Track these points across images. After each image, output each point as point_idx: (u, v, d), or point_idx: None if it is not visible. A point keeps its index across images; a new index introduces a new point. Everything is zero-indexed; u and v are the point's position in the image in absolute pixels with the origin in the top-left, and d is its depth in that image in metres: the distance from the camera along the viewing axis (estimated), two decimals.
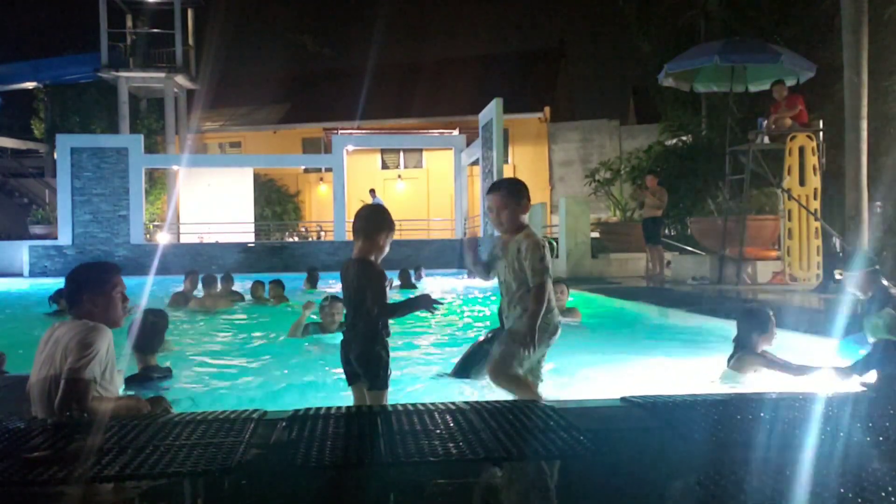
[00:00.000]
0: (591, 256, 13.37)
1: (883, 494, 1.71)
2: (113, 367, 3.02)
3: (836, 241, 9.87)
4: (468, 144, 20.53)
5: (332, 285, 11.20)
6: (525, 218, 3.37)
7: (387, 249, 3.33)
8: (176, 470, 1.94)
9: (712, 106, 15.76)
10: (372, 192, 22.05)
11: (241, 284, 11.19)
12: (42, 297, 10.29)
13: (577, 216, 13.08)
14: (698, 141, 15.71)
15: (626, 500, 1.88)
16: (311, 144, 27.98)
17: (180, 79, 24.52)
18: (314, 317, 6.61)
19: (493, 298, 9.09)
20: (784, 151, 9.65)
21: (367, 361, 3.24)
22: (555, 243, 13.07)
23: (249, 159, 25.62)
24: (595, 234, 14.54)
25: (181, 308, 9.32)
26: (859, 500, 1.67)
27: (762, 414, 2.49)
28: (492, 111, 16.56)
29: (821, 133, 9.82)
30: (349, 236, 18.41)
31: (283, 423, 2.44)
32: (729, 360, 4.32)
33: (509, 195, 3.34)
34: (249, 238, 22.23)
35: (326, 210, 23.63)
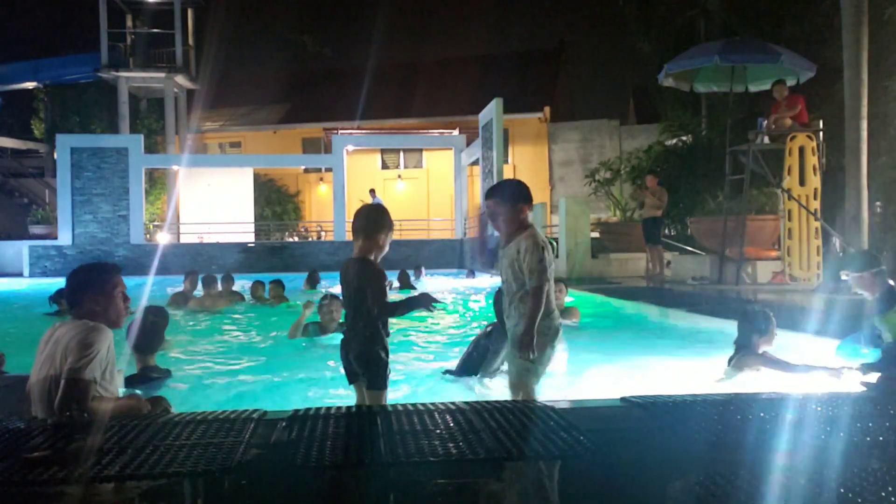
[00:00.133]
0: (591, 256, 13.37)
1: (883, 494, 1.71)
2: (113, 367, 3.02)
3: (836, 241, 9.87)
4: (468, 144, 20.53)
5: (330, 288, 11.20)
6: (528, 218, 3.32)
7: (386, 249, 3.35)
8: (176, 470, 1.94)
9: (712, 106, 15.75)
10: (372, 192, 22.05)
11: (241, 284, 11.20)
12: (41, 297, 10.29)
13: (577, 216, 13.08)
14: (698, 141, 15.70)
15: (626, 500, 1.88)
16: (311, 144, 27.98)
17: (180, 79, 24.52)
18: (313, 316, 6.62)
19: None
20: (784, 151, 9.64)
21: (366, 361, 3.24)
22: (555, 243, 13.07)
23: (249, 159, 25.62)
24: (595, 234, 14.54)
25: (181, 308, 9.32)
26: (859, 500, 1.67)
27: (762, 414, 2.49)
28: (492, 111, 16.56)
29: (821, 133, 9.82)
30: (349, 236, 18.41)
31: (283, 423, 2.44)
32: (729, 362, 4.32)
33: (502, 201, 3.31)
34: (249, 238, 22.23)
35: (326, 210, 23.64)
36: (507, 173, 17.88)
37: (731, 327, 4.57)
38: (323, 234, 25.03)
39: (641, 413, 2.60)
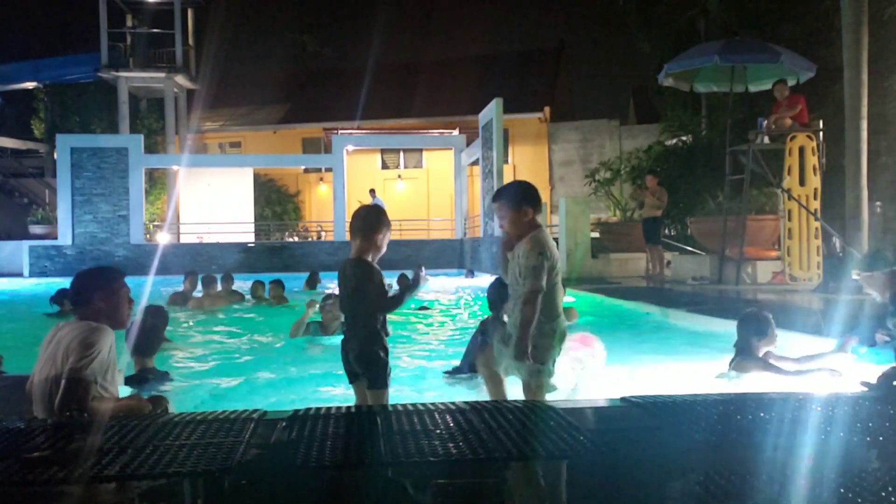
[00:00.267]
0: (591, 256, 13.37)
1: (883, 494, 1.71)
2: (114, 367, 3.02)
3: (836, 241, 9.87)
4: (468, 144, 20.53)
5: (330, 288, 11.20)
6: (535, 220, 3.29)
7: (384, 249, 3.37)
8: (176, 470, 1.94)
9: (712, 106, 15.76)
10: (372, 192, 22.05)
11: (240, 284, 11.19)
12: (41, 296, 10.29)
13: (577, 216, 13.08)
14: (698, 141, 15.71)
15: (627, 500, 1.88)
16: (311, 144, 27.98)
17: (180, 79, 24.52)
18: (315, 315, 6.63)
19: None
20: (784, 151, 9.65)
21: (366, 361, 3.25)
22: (555, 243, 13.05)
23: (249, 159, 25.62)
24: (595, 234, 14.53)
25: (180, 308, 9.32)
26: (859, 500, 1.67)
27: (762, 414, 2.49)
28: (492, 111, 16.55)
29: (821, 133, 9.82)
30: (349, 236, 18.40)
31: (283, 423, 2.44)
32: (730, 365, 4.32)
33: (507, 204, 3.31)
34: (249, 238, 22.23)
35: (326, 210, 23.64)
36: (507, 173, 17.88)
37: (730, 327, 4.57)
38: (323, 234, 25.02)
39: (641, 413, 2.60)
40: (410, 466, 2.01)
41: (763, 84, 10.90)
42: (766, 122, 9.94)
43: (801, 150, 9.58)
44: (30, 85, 25.90)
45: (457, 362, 5.02)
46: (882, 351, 4.25)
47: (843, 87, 9.50)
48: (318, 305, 6.57)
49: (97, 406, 2.78)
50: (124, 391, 3.87)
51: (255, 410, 2.61)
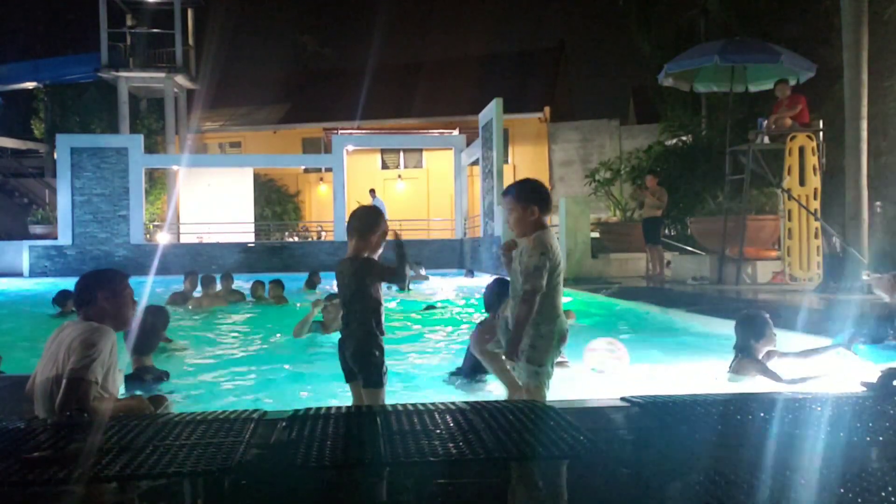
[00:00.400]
0: (591, 256, 13.36)
1: (883, 494, 1.71)
2: (115, 368, 3.03)
3: (836, 241, 9.87)
4: (468, 144, 20.52)
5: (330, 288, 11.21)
6: (541, 219, 3.28)
7: (380, 250, 3.41)
8: (176, 470, 1.94)
9: (712, 106, 15.75)
10: (372, 192, 22.04)
11: (240, 284, 11.19)
12: (41, 296, 10.29)
13: (577, 216, 13.08)
14: (698, 141, 15.70)
15: (627, 500, 1.88)
16: (311, 144, 27.96)
17: (180, 79, 24.51)
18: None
19: None
20: (784, 151, 9.65)
21: (361, 360, 3.27)
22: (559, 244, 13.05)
23: (249, 159, 25.60)
24: (595, 234, 14.53)
25: (180, 308, 9.32)
26: (859, 501, 1.67)
27: (762, 414, 2.49)
28: (492, 111, 16.55)
29: (821, 133, 9.82)
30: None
31: (283, 423, 2.44)
32: (730, 367, 4.33)
33: (515, 199, 3.30)
34: (249, 238, 22.22)
35: (326, 210, 23.63)
36: (507, 173, 17.86)
37: (730, 327, 4.58)
38: (323, 234, 25.01)
39: (641, 413, 2.60)
40: (410, 466, 2.01)
41: (763, 84, 10.90)
42: (766, 122, 9.94)
43: (801, 150, 9.58)
44: (30, 85, 25.87)
45: (460, 360, 5.02)
46: (883, 350, 4.26)
47: (843, 87, 9.50)
48: (323, 305, 6.59)
49: (98, 406, 2.79)
50: (123, 390, 3.87)
51: (255, 410, 2.61)
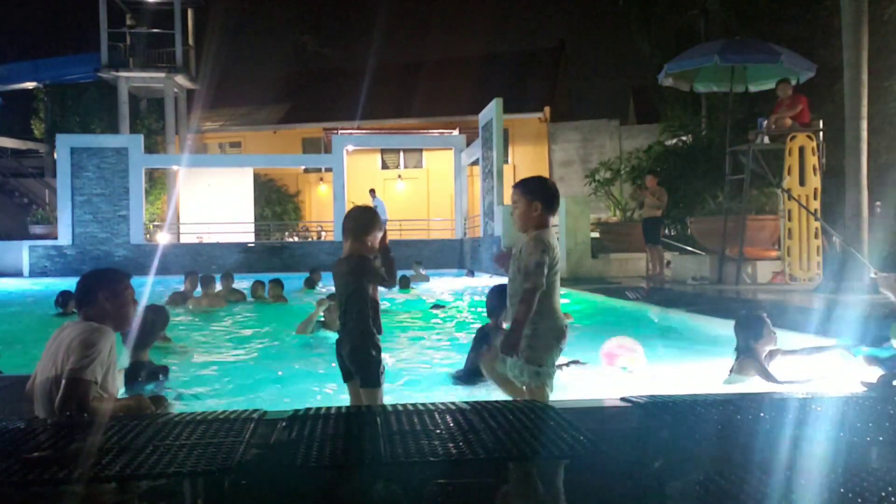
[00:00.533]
0: (591, 256, 13.37)
1: (883, 494, 1.71)
2: (114, 368, 3.03)
3: (836, 241, 9.86)
4: (468, 144, 20.53)
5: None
6: (544, 218, 3.29)
7: (375, 250, 3.39)
8: (176, 470, 1.93)
9: (712, 106, 15.76)
10: (372, 192, 22.05)
11: (240, 284, 11.19)
12: (40, 296, 10.28)
13: (577, 216, 13.08)
14: (698, 141, 15.71)
15: (627, 499, 1.88)
16: (311, 144, 27.97)
17: (180, 79, 24.51)
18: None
19: None
20: (784, 151, 9.65)
21: (358, 359, 3.26)
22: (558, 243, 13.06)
23: (249, 159, 25.61)
24: (595, 234, 14.53)
25: (180, 308, 9.32)
26: (859, 501, 1.67)
27: (762, 414, 2.48)
28: (492, 111, 16.55)
29: (821, 133, 9.82)
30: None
31: (283, 423, 2.44)
32: (731, 370, 4.33)
33: (521, 194, 3.32)
34: (249, 238, 22.22)
35: (326, 210, 23.63)
36: (507, 173, 17.88)
37: (730, 327, 4.57)
38: (323, 234, 25.02)
39: (641, 413, 2.60)
40: (410, 466, 2.01)
41: (763, 84, 10.90)
42: (766, 122, 9.94)
43: (801, 150, 9.58)
44: (30, 85, 25.87)
45: (461, 360, 5.02)
46: (883, 350, 4.25)
47: (843, 87, 9.50)
48: (327, 304, 6.60)
49: (97, 406, 2.78)
50: (122, 389, 3.87)
51: (255, 410, 2.61)
